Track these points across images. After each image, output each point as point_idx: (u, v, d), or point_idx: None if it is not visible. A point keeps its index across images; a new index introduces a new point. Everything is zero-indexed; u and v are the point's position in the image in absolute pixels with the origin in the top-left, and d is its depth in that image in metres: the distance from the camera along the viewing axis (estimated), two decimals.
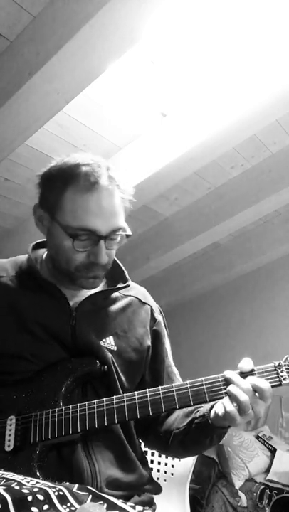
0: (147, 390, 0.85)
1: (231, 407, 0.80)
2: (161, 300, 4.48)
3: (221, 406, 0.82)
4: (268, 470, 2.55)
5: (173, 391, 0.84)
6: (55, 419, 0.83)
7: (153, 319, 1.07)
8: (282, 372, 0.82)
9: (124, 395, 0.85)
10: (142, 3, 1.28)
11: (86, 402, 0.85)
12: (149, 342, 1.02)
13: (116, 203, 0.91)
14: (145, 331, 1.03)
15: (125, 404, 0.83)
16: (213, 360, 3.75)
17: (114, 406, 0.83)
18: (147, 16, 1.33)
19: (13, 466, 0.77)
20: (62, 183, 0.89)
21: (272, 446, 2.68)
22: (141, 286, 1.13)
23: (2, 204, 2.55)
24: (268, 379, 0.82)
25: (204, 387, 0.83)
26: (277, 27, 1.65)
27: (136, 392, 0.85)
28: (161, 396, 0.83)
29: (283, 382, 0.82)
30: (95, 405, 0.84)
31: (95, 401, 0.84)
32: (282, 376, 0.82)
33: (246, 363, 0.85)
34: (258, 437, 2.78)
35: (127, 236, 0.94)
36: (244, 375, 0.84)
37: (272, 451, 2.65)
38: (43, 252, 1.06)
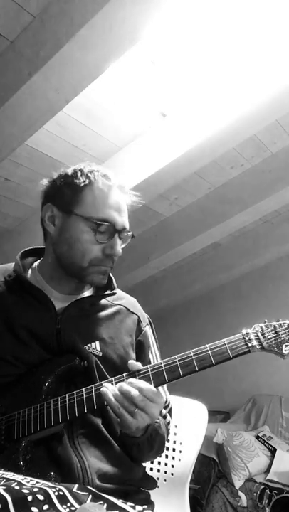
0: (124, 374, 0.87)
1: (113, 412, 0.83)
2: (161, 300, 4.48)
3: None
4: (268, 470, 2.55)
5: (148, 371, 0.86)
6: (37, 414, 0.85)
7: (139, 330, 1.07)
8: (250, 340, 0.85)
9: (104, 381, 0.87)
10: (142, 3, 1.28)
11: (66, 394, 0.87)
12: (133, 355, 1.03)
13: (126, 205, 1.00)
14: (130, 340, 1.03)
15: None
16: None
17: (94, 393, 0.85)
18: (147, 16, 1.33)
19: (0, 464, 0.78)
20: (83, 182, 0.96)
21: (272, 446, 2.68)
22: (131, 297, 1.14)
23: (2, 204, 2.55)
24: (237, 347, 0.84)
25: (178, 363, 0.85)
26: (277, 27, 1.66)
27: (113, 378, 0.87)
28: (137, 378, 0.86)
29: (252, 348, 0.84)
30: (75, 395, 0.86)
31: (75, 392, 0.86)
32: (250, 343, 0.84)
33: (133, 365, 0.88)
34: (258, 437, 2.78)
35: (132, 237, 1.02)
36: (133, 375, 0.86)
37: (272, 451, 2.65)
38: (33, 260, 1.09)
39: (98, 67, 1.49)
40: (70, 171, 0.99)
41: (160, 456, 1.35)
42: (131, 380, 0.84)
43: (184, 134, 2.03)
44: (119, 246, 0.97)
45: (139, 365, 0.88)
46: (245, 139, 2.20)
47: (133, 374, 0.87)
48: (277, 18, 1.62)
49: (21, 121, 1.70)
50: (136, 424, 0.83)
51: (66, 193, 0.97)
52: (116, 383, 0.85)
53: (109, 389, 0.83)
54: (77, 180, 0.96)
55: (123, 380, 0.86)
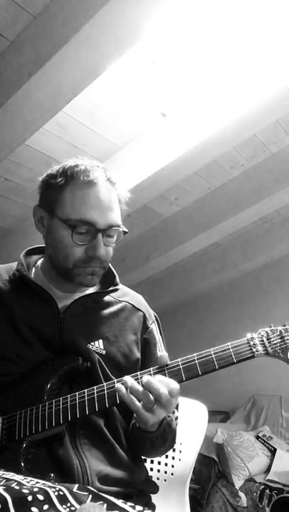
0: (151, 369, 0.86)
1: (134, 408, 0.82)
2: (161, 300, 4.47)
3: None
4: (268, 470, 2.55)
5: (179, 365, 0.85)
6: (38, 414, 0.85)
7: (145, 327, 1.05)
8: (254, 345, 0.84)
9: (105, 383, 0.86)
10: (142, 3, 1.28)
11: (68, 395, 0.86)
12: (138, 354, 1.01)
13: (113, 199, 0.94)
14: (136, 338, 1.02)
15: (106, 392, 0.85)
16: None
17: (96, 395, 0.84)
18: (147, 16, 1.33)
19: (1, 464, 0.79)
20: (63, 181, 0.93)
21: (272, 446, 2.69)
22: (137, 294, 1.12)
23: (2, 204, 2.55)
24: (241, 352, 0.83)
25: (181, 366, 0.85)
26: (277, 27, 1.66)
27: (116, 380, 0.86)
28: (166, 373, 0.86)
29: (256, 353, 0.83)
30: (77, 396, 0.85)
31: (77, 393, 0.86)
32: (254, 348, 0.84)
33: (162, 359, 0.86)
34: (258, 437, 2.78)
35: (124, 233, 0.97)
36: (159, 370, 0.85)
37: (272, 451, 2.65)
38: (37, 258, 1.09)
39: (98, 67, 1.49)
40: (53, 171, 0.97)
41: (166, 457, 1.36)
42: (161, 378, 0.83)
43: (184, 134, 2.03)
44: (102, 246, 0.92)
45: (166, 358, 0.87)
46: (245, 139, 2.20)
47: (161, 368, 0.85)
48: (277, 18, 1.62)
49: (21, 121, 1.70)
50: (153, 420, 0.83)
51: (49, 194, 0.95)
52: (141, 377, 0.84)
53: (128, 383, 0.82)
54: (56, 180, 0.93)
55: (150, 375, 0.84)
